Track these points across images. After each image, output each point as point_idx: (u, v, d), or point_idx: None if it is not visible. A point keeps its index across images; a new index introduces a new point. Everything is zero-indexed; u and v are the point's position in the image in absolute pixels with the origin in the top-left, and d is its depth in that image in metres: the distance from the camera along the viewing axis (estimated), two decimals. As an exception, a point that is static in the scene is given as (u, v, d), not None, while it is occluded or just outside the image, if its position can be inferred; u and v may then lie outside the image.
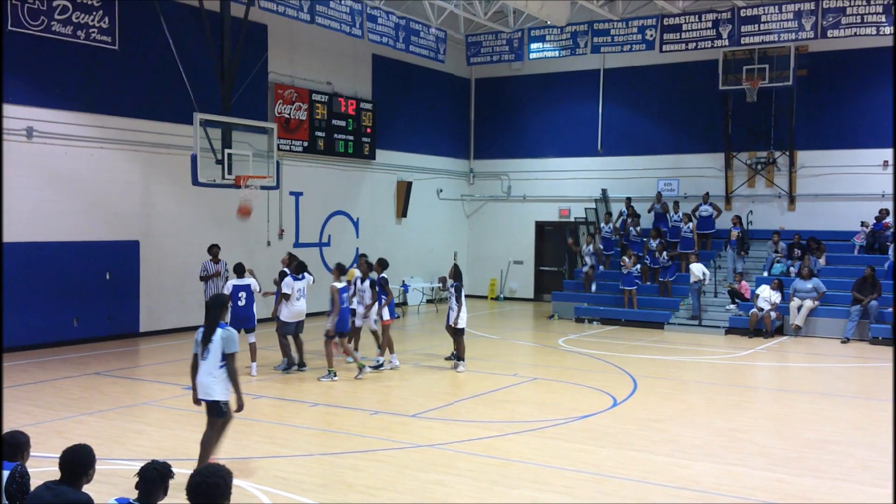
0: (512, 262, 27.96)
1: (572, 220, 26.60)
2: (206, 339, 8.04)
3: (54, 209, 16.66)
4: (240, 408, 8.24)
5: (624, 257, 22.06)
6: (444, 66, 25.28)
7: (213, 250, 16.49)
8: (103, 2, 17.10)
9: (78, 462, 4.89)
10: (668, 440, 10.20)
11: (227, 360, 8.03)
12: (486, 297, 27.97)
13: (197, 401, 8.29)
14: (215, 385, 8.06)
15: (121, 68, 17.63)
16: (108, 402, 12.03)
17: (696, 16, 21.59)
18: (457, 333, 14.86)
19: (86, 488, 4.91)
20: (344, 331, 14.03)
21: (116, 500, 4.61)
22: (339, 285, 13.93)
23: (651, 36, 21.98)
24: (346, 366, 14.65)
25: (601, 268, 23.47)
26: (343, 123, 23.19)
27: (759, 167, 23.76)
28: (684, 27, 21.66)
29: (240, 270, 14.22)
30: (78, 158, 17.06)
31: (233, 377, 8.11)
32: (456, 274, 14.94)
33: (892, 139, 21.22)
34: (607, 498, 8.02)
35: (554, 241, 27.31)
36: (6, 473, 5.17)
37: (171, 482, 4.74)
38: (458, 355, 14.95)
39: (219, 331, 8.06)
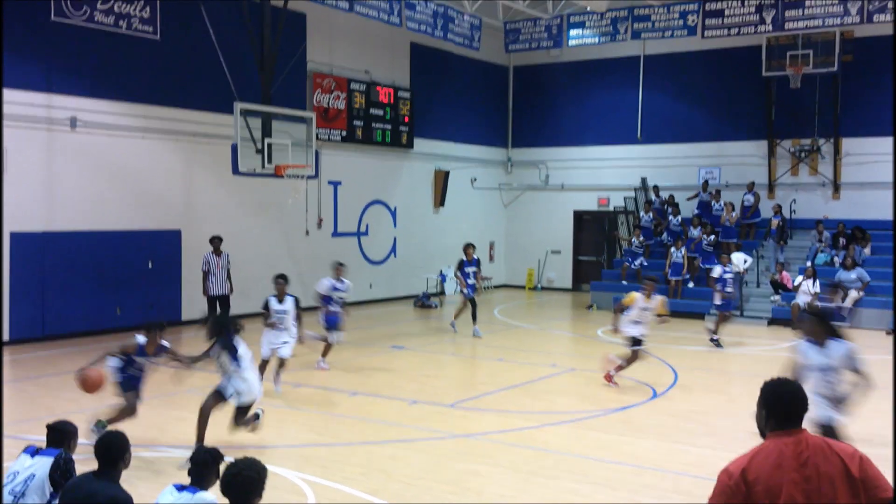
0: (550, 251, 27.81)
1: (611, 209, 26.37)
2: None
3: (97, 198, 16.90)
4: None
5: (672, 248, 21.79)
6: (481, 53, 25.12)
7: (215, 243, 16.47)
8: (145, -8, 17.28)
9: (113, 448, 4.96)
10: (709, 432, 10.09)
11: None
12: (523, 287, 27.88)
13: None
14: None
15: (162, 58, 17.79)
16: (150, 390, 12.14)
17: (739, 0, 21.19)
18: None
19: (125, 474, 4.95)
20: None
21: (174, 485, 4.68)
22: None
23: (693, 21, 21.62)
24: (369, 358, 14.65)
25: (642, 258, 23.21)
26: (381, 112, 23.19)
27: (802, 155, 23.35)
28: (727, 12, 21.24)
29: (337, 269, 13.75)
30: (120, 148, 17.27)
31: None
32: (216, 328, 9.43)
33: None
34: (647, 490, 7.96)
35: (592, 230, 27.11)
36: (50, 460, 5.20)
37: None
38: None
39: None
